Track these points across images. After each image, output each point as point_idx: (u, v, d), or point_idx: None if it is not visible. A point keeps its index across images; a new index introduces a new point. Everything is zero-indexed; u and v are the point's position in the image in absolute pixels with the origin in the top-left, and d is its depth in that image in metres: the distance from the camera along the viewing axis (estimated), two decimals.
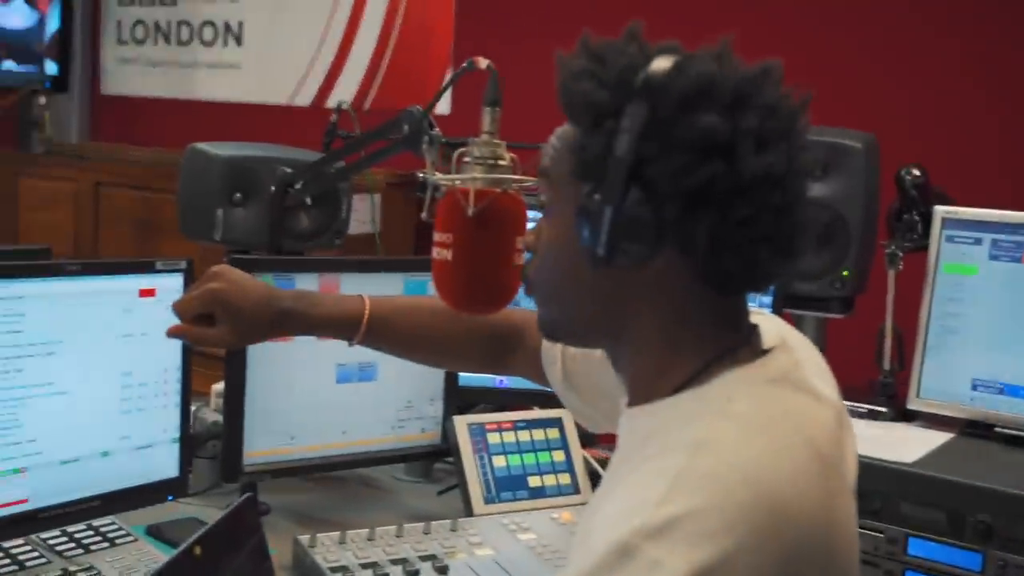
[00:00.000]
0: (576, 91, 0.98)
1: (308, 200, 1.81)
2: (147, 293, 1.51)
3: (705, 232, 0.95)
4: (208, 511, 1.76)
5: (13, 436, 1.37)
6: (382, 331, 1.37)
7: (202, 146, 2.04)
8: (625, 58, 0.97)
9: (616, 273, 0.99)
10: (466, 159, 1.21)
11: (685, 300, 1.01)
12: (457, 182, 1.20)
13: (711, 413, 0.97)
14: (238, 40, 4.40)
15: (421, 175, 1.29)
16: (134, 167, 4.21)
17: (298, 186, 1.76)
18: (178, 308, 1.29)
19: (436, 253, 1.21)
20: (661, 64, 0.94)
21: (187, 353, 1.57)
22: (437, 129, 1.39)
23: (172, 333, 1.29)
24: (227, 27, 4.43)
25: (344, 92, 3.97)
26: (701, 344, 1.02)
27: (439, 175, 1.25)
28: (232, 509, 1.21)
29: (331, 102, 4.02)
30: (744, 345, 1.03)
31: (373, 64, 4.01)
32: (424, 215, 1.25)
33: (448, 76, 3.79)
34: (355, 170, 1.71)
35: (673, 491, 0.89)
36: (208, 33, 4.49)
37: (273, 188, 1.77)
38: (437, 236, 1.21)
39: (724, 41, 0.99)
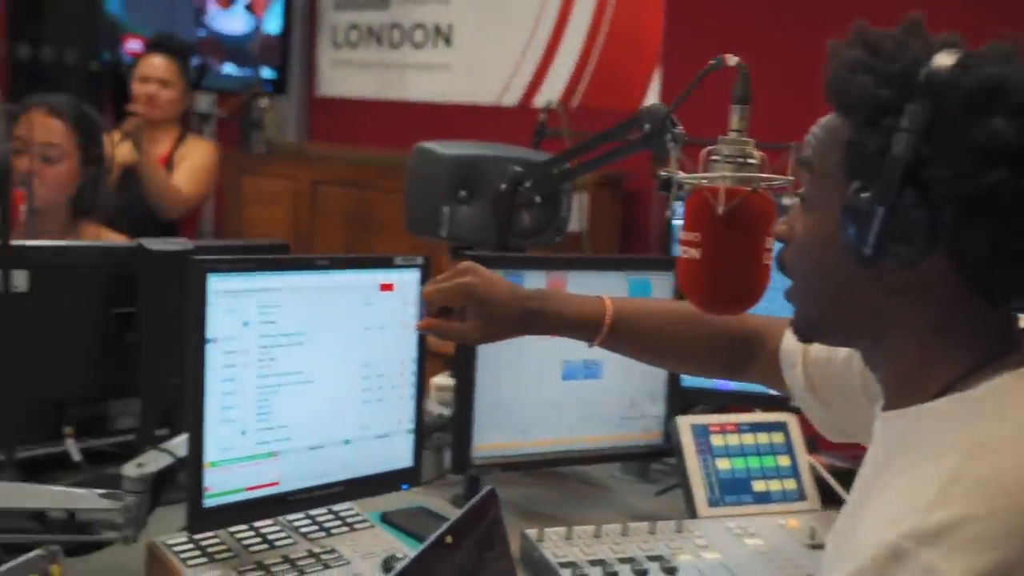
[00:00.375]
0: (852, 84, 0.95)
1: (537, 199, 1.83)
2: (386, 287, 1.56)
3: (982, 240, 0.91)
4: (435, 501, 1.81)
5: (267, 422, 1.43)
6: (623, 333, 1.36)
7: (429, 145, 2.09)
8: (907, 52, 0.94)
9: (879, 273, 0.97)
10: (714, 157, 1.20)
11: (951, 305, 0.97)
12: (705, 181, 1.19)
13: (984, 416, 0.94)
14: (447, 42, 4.50)
15: (664, 173, 1.28)
16: (348, 166, 4.37)
17: (527, 184, 1.79)
18: (429, 296, 1.32)
19: (683, 252, 1.20)
20: (946, 61, 0.91)
21: (423, 346, 1.61)
22: (680, 127, 1.38)
23: (423, 327, 1.33)
24: (437, 29, 4.53)
25: (551, 91, 4.00)
26: (967, 348, 0.98)
27: (683, 174, 1.24)
28: (477, 501, 1.24)
29: (538, 101, 4.06)
30: (1014, 351, 0.99)
31: (581, 62, 4.03)
32: (669, 213, 1.24)
33: (657, 73, 3.76)
34: (588, 169, 1.72)
35: (947, 495, 0.87)
36: (419, 35, 4.61)
37: (503, 186, 1.80)
38: (684, 235, 1.20)
39: (1014, 39, 0.94)
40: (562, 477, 2.00)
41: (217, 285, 1.37)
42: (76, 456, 1.76)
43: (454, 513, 1.77)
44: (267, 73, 5.01)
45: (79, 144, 2.37)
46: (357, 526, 1.58)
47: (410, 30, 4.64)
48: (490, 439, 1.76)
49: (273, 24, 5.02)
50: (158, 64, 3.63)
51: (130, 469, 1.42)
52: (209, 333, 1.36)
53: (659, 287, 1.83)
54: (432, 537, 1.12)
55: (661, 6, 3.80)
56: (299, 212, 4.44)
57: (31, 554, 1.12)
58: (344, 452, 1.53)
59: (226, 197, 4.67)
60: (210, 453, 1.37)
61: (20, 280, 1.69)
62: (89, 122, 2.42)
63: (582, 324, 1.36)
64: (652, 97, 3.74)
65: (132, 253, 1.77)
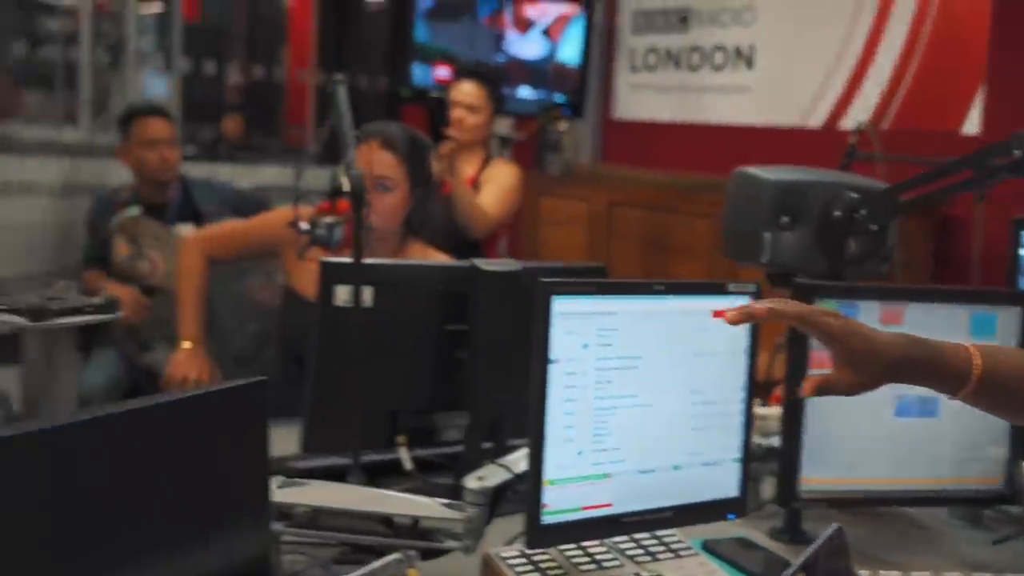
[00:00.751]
0: None
1: (873, 226, 1.76)
2: (718, 314, 1.54)
3: None
4: (753, 532, 1.78)
5: (602, 443, 1.45)
6: (990, 389, 1.22)
7: (751, 170, 2.06)
8: None
9: None
10: None
11: None
12: None
13: None
14: (749, 64, 4.43)
15: None
16: (645, 188, 4.39)
17: (864, 212, 1.72)
18: (809, 324, 1.23)
19: None
20: None
21: (752, 376, 1.58)
22: None
23: (811, 388, 1.23)
24: (738, 51, 4.48)
25: (860, 112, 3.85)
26: None
27: None
28: (825, 539, 1.20)
29: (845, 123, 3.92)
30: None
31: (894, 81, 3.85)
32: None
33: (980, 92, 3.53)
34: (940, 198, 1.63)
35: None
36: (719, 58, 4.58)
37: (838, 213, 1.74)
38: None
39: None
40: (887, 517, 1.90)
41: (560, 307, 1.40)
42: (408, 464, 1.86)
43: (774, 545, 1.74)
44: (559, 97, 5.12)
45: (409, 174, 2.47)
46: (682, 553, 1.57)
47: (710, 52, 4.61)
48: (816, 473, 1.70)
49: (569, 48, 5.13)
50: (467, 90, 3.78)
51: (472, 482, 1.47)
52: (552, 354, 1.40)
53: (1006, 323, 1.71)
54: (785, 574, 1.09)
55: (987, 19, 3.56)
56: (595, 233, 4.50)
57: (392, 557, 1.19)
58: (673, 478, 1.52)
59: (522, 218, 4.80)
60: (549, 471, 1.40)
61: (366, 296, 1.80)
62: (419, 151, 2.52)
63: (948, 375, 1.22)
64: (974, 118, 3.52)
65: (465, 272, 1.85)
